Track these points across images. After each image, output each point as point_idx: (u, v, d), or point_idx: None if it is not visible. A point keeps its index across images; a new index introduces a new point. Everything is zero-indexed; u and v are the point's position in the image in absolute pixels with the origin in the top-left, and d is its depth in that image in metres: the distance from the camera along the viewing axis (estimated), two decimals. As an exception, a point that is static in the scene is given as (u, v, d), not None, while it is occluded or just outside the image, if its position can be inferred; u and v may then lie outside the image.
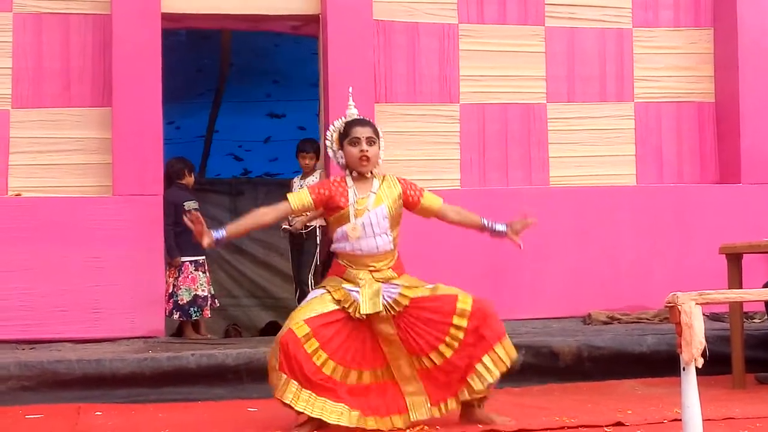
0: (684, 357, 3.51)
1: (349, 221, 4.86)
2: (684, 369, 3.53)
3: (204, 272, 8.20)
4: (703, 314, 3.57)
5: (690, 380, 3.53)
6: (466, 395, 4.79)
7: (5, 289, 7.24)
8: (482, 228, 5.11)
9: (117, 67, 7.52)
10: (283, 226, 8.05)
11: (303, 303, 4.94)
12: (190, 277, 8.04)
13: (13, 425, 5.21)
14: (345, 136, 4.95)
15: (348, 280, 4.85)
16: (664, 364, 6.26)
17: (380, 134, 5.02)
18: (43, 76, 7.65)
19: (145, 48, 7.55)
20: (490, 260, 7.84)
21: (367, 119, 5.12)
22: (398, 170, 7.96)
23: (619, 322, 7.66)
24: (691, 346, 3.51)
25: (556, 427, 4.68)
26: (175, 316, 8.01)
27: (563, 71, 8.45)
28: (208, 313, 8.21)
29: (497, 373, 4.82)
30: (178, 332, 8.17)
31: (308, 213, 7.83)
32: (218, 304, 8.46)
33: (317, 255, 7.84)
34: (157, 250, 7.53)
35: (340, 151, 4.98)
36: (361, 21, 7.90)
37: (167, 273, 7.91)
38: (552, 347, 6.53)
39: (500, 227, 5.08)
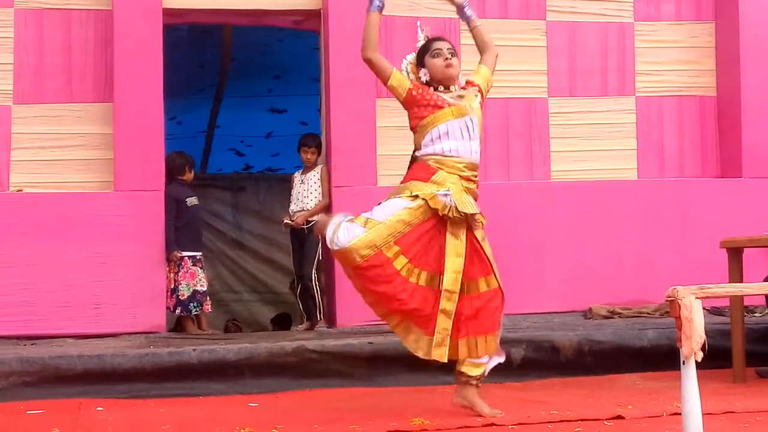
0: (684, 351, 3.51)
1: (448, 120, 4.93)
2: (684, 363, 3.53)
3: (201, 268, 8.22)
4: (704, 308, 3.57)
5: (690, 374, 3.52)
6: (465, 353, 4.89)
7: (6, 284, 7.25)
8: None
9: (118, 63, 7.53)
10: (285, 221, 8.05)
11: (385, 214, 4.83)
12: (189, 272, 8.05)
13: (14, 421, 5.22)
14: (425, 52, 5.11)
15: (436, 182, 4.87)
16: (664, 358, 6.27)
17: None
18: (44, 72, 7.66)
19: (147, 43, 7.55)
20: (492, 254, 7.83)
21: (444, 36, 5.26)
22: (400, 165, 7.96)
23: (619, 317, 7.67)
24: (691, 340, 3.51)
25: (556, 421, 4.69)
26: (178, 311, 8.02)
27: (564, 65, 8.45)
28: (208, 307, 8.23)
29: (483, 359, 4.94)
30: (176, 327, 8.18)
31: (308, 208, 7.87)
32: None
33: (320, 250, 7.84)
34: (158, 245, 7.55)
35: (423, 69, 5.10)
36: (362, 16, 7.81)
37: (168, 267, 7.92)
38: (553, 341, 6.54)
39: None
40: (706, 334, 3.53)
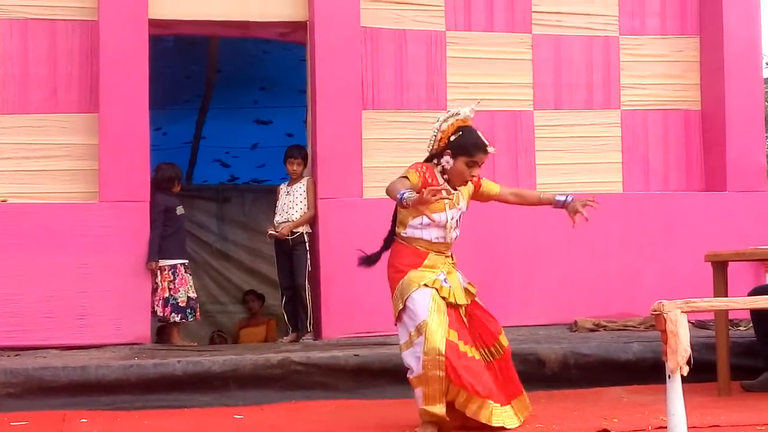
0: (669, 365, 3.52)
1: (443, 211, 4.92)
2: (669, 377, 3.54)
3: (190, 275, 8.25)
4: (689, 322, 3.58)
5: (675, 388, 3.54)
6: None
7: (-9, 295, 7.22)
8: (541, 202, 5.36)
9: (104, 74, 7.51)
10: (270, 232, 8.04)
11: (428, 313, 4.81)
12: (183, 278, 8.08)
13: (-3, 432, 5.20)
14: (465, 152, 4.94)
15: (428, 267, 4.94)
16: (649, 371, 6.27)
17: None
18: (29, 82, 7.63)
19: (132, 54, 7.54)
20: (477, 268, 7.82)
21: (488, 144, 5.06)
22: (385, 177, 7.95)
23: (605, 330, 7.68)
24: (677, 354, 3.52)
25: (542, 435, 4.69)
26: (176, 318, 8.01)
27: (550, 79, 8.47)
28: (198, 315, 8.28)
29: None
30: (160, 338, 8.16)
31: (294, 220, 7.86)
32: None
33: (308, 260, 7.84)
34: (143, 256, 7.52)
35: (450, 159, 4.96)
36: (348, 28, 7.91)
37: (161, 276, 7.91)
38: (538, 354, 6.54)
39: (561, 198, 5.27)
40: (691, 347, 3.55)
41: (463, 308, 5.01)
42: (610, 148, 8.56)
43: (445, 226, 4.96)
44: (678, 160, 8.71)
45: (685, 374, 3.52)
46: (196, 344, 8.25)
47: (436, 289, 4.87)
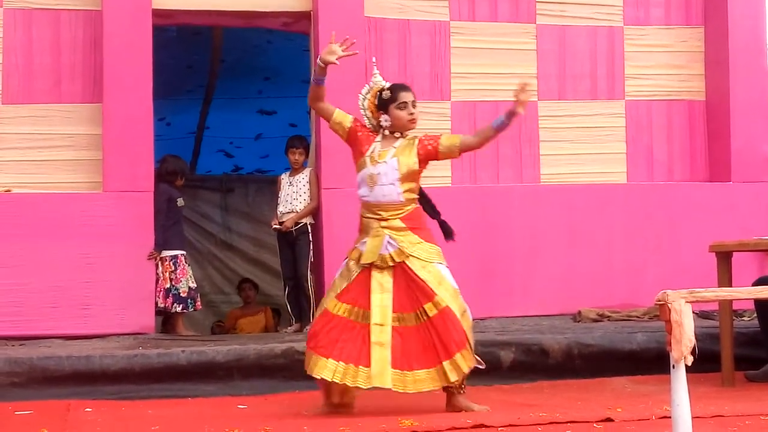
0: (674, 355, 3.52)
1: (366, 167, 5.25)
2: (674, 367, 3.53)
3: (189, 265, 8.27)
4: (693, 312, 3.57)
5: (680, 378, 3.53)
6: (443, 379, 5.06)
7: (-5, 285, 7.23)
8: (497, 130, 5.36)
9: (108, 64, 7.51)
10: (274, 226, 8.05)
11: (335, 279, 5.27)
12: (184, 269, 8.09)
13: (2, 421, 5.20)
14: (391, 101, 5.25)
15: (362, 231, 5.26)
16: (653, 361, 6.28)
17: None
18: (33, 72, 7.63)
19: (136, 44, 7.53)
20: (481, 258, 7.85)
21: (408, 85, 5.46)
22: (389, 167, 7.96)
23: (609, 320, 7.68)
24: (681, 344, 3.51)
25: (545, 423, 4.69)
26: (178, 308, 8.02)
27: (554, 69, 8.46)
28: (200, 305, 8.31)
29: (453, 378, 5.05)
30: (164, 327, 8.18)
31: (297, 210, 7.87)
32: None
33: (311, 251, 7.85)
34: (147, 246, 7.53)
35: (384, 115, 5.28)
36: (352, 18, 7.89)
37: (162, 267, 7.93)
38: (542, 345, 6.54)
39: (504, 117, 5.32)
40: (695, 338, 3.54)
41: (391, 270, 5.15)
42: (614, 138, 8.56)
43: (370, 179, 5.23)
44: (682, 150, 8.70)
45: (690, 364, 3.52)
46: (200, 334, 8.26)
47: (354, 260, 5.19)
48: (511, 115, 5.25)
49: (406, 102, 5.26)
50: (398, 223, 5.21)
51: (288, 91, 11.44)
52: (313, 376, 5.13)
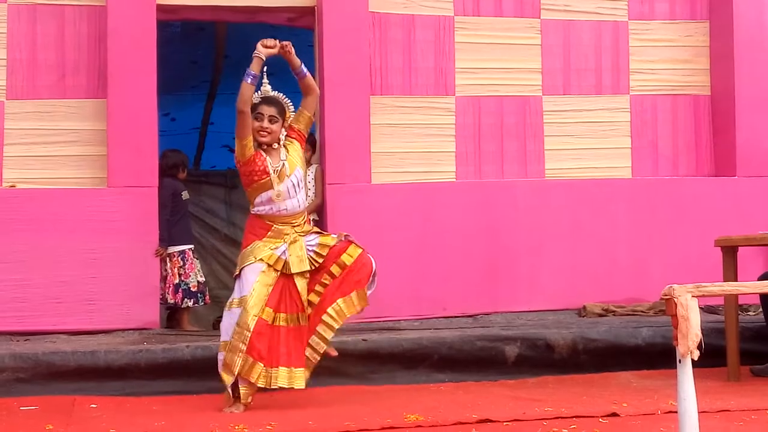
0: (680, 349, 3.51)
1: (273, 188, 5.47)
2: (680, 361, 3.53)
3: (197, 259, 8.29)
4: (699, 307, 3.56)
5: (686, 372, 3.52)
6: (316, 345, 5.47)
7: (0, 280, 7.23)
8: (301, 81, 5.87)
9: (112, 59, 7.50)
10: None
11: (251, 289, 5.38)
12: (192, 263, 8.11)
13: (7, 417, 5.21)
14: (253, 110, 5.54)
15: (272, 238, 5.50)
16: (659, 356, 6.28)
17: (287, 111, 5.70)
18: (37, 68, 7.62)
19: (140, 39, 7.53)
20: (486, 253, 7.85)
21: (276, 98, 5.75)
22: (394, 162, 8.01)
23: (614, 315, 7.67)
24: (687, 339, 3.50)
25: (550, 418, 4.69)
26: (189, 303, 8.05)
27: (559, 64, 8.44)
28: (209, 299, 8.33)
29: (343, 317, 5.47)
30: (169, 323, 8.19)
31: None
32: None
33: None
34: (152, 241, 7.52)
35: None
36: (356, 13, 7.89)
37: (170, 263, 7.94)
38: (547, 339, 6.54)
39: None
40: (701, 332, 3.53)
41: (306, 274, 5.47)
42: (619, 133, 8.54)
43: (274, 199, 5.48)
44: (687, 145, 8.68)
45: (696, 359, 3.51)
46: (205, 330, 8.26)
47: (269, 265, 5.40)
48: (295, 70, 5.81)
49: (261, 114, 5.55)
50: (306, 227, 5.69)
51: (292, 86, 11.40)
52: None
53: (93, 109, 7.62)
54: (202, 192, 11.42)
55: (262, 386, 5.32)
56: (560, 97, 8.42)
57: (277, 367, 5.30)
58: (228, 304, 5.47)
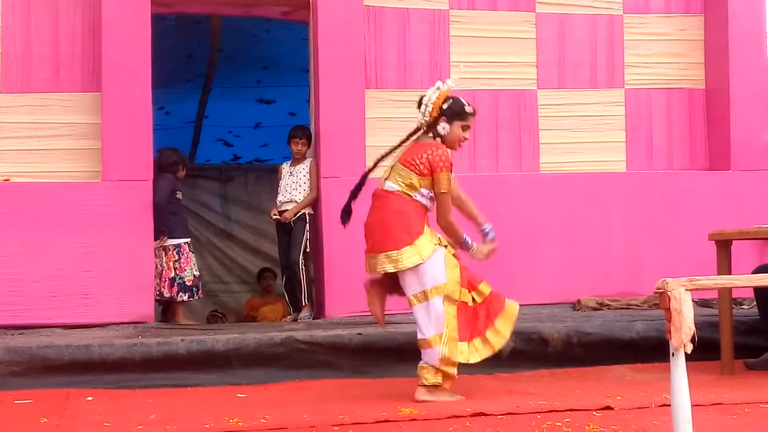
0: (673, 343, 3.51)
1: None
2: (673, 355, 3.53)
3: (193, 253, 8.31)
4: (692, 300, 3.57)
5: (679, 366, 3.53)
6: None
7: (-6, 274, 7.23)
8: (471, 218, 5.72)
9: (106, 52, 7.49)
10: (274, 216, 8.05)
11: (441, 268, 5.22)
12: (188, 257, 8.13)
13: (2, 410, 5.21)
14: (459, 116, 5.40)
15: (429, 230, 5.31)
16: (653, 349, 6.29)
17: None
18: (32, 61, 7.61)
19: (135, 33, 7.52)
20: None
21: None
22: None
23: (608, 308, 7.68)
24: (681, 332, 3.51)
25: (544, 411, 4.69)
26: (184, 297, 8.06)
27: (554, 58, 8.44)
28: (201, 293, 8.35)
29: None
30: (164, 317, 8.20)
31: (297, 201, 7.87)
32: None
33: (306, 237, 7.84)
34: (146, 235, 7.52)
35: (446, 125, 5.39)
36: (351, 7, 7.89)
37: (165, 257, 7.96)
38: (541, 333, 6.54)
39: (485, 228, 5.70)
40: (695, 326, 3.54)
41: None
42: (614, 127, 8.55)
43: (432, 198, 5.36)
44: (682, 139, 8.69)
45: (689, 352, 3.52)
46: (200, 323, 8.28)
47: (445, 246, 5.31)
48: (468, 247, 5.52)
49: (469, 125, 5.45)
50: None
51: (287, 80, 11.43)
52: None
53: (87, 102, 7.61)
54: (196, 186, 11.43)
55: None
56: (555, 91, 8.42)
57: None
58: (419, 296, 5.21)
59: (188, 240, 8.29)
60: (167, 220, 7.92)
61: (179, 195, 8.29)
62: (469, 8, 8.29)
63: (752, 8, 8.55)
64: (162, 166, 7.99)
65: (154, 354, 6.14)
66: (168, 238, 7.94)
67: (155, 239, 7.75)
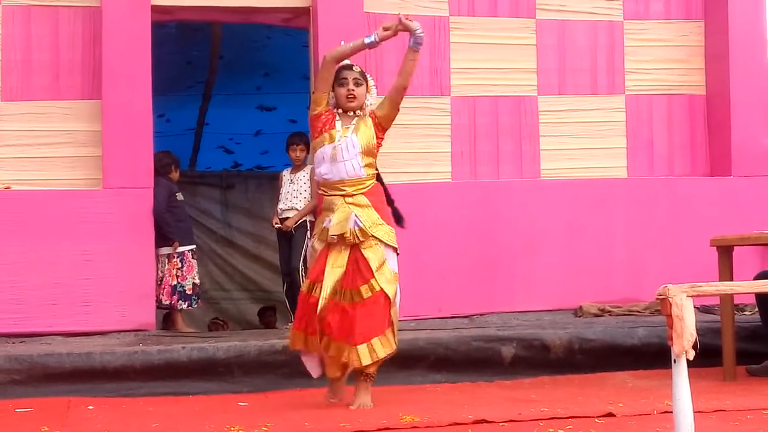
0: (675, 349, 3.50)
1: (324, 145, 5.35)
2: (675, 361, 3.52)
3: (196, 261, 8.31)
4: (694, 306, 3.56)
5: (681, 372, 3.52)
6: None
7: (-5, 282, 7.23)
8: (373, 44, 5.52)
9: (107, 60, 7.50)
10: (276, 225, 8.05)
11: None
12: (190, 265, 8.12)
13: (3, 419, 5.20)
14: (335, 78, 5.42)
15: (326, 209, 5.34)
16: (655, 356, 6.28)
17: (369, 79, 5.53)
18: (32, 69, 7.62)
19: (135, 40, 7.52)
20: (482, 254, 7.85)
21: (356, 65, 5.55)
22: (389, 162, 7.96)
23: (610, 315, 7.67)
24: (682, 339, 3.50)
25: (546, 418, 4.68)
26: (183, 305, 8.06)
27: (554, 64, 8.44)
28: (200, 302, 8.35)
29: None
30: (165, 324, 8.19)
31: (298, 208, 7.87)
32: None
33: (306, 246, 7.84)
34: (147, 243, 7.51)
35: (332, 93, 5.44)
36: (351, 13, 7.88)
37: (168, 264, 7.95)
38: (543, 340, 6.54)
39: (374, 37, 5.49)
40: (697, 332, 3.53)
41: (348, 248, 5.28)
42: (615, 133, 8.54)
43: (331, 157, 5.31)
44: (682, 145, 8.69)
45: (691, 358, 3.51)
46: (200, 331, 8.28)
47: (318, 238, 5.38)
48: (385, 29, 5.49)
49: (345, 78, 5.41)
50: (363, 199, 5.33)
51: (287, 87, 11.44)
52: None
53: (88, 110, 7.61)
54: (197, 193, 11.44)
55: None
56: (556, 97, 8.42)
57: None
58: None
59: (193, 247, 8.29)
60: (173, 226, 7.91)
61: (179, 197, 8.28)
62: (470, 15, 8.29)
63: (752, 14, 8.55)
64: (155, 170, 7.99)
65: (155, 362, 6.13)
66: (165, 245, 7.92)
67: (165, 246, 7.75)
